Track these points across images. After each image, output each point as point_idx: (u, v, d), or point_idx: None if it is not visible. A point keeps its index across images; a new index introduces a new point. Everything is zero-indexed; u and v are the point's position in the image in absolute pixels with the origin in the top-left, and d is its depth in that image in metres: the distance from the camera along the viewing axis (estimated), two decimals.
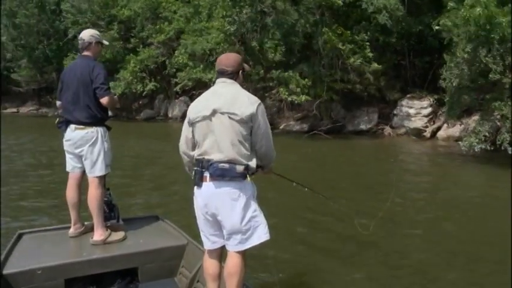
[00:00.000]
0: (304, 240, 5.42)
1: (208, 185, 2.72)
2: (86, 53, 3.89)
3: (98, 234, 3.74)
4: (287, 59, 16.08)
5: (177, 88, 20.05)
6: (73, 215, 3.88)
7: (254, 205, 2.77)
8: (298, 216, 6.36)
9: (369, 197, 7.40)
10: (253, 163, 2.76)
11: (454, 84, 10.32)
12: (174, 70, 20.02)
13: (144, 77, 21.81)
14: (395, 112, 16.14)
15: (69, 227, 3.91)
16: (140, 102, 24.02)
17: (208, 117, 2.75)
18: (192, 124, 2.84)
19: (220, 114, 2.71)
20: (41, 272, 3.25)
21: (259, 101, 2.79)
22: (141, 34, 22.23)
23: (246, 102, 2.73)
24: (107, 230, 3.80)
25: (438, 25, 11.28)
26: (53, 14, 25.39)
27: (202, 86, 19.10)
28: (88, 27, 21.05)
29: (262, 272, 4.24)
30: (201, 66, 18.41)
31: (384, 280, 4.32)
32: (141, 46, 21.83)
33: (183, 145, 2.94)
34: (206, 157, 2.74)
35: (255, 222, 2.75)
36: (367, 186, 8.33)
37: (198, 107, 2.83)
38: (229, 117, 2.69)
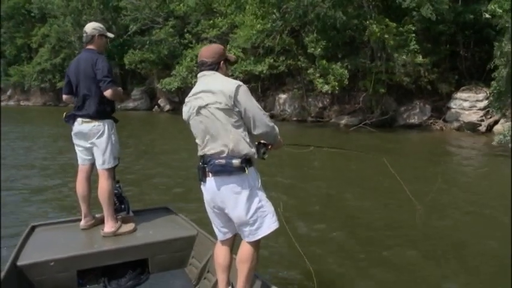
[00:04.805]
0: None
1: (210, 180, 2.74)
2: (89, 46, 3.88)
3: (109, 226, 3.80)
4: (332, 53, 15.90)
5: None
6: (83, 207, 3.95)
7: (259, 195, 2.74)
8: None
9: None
10: (252, 150, 2.71)
11: (501, 75, 9.75)
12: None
13: None
14: (449, 105, 15.46)
15: (80, 220, 3.98)
16: None
17: (197, 115, 2.75)
18: (188, 125, 2.87)
19: (206, 109, 2.70)
20: (53, 264, 3.32)
21: (239, 83, 2.70)
22: (195, 29, 22.66)
23: (226, 89, 2.66)
24: (117, 222, 3.86)
25: (486, 12, 10.66)
26: (115, 12, 26.43)
27: (255, 78, 19.37)
28: (146, 24, 21.98)
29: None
30: (252, 58, 18.65)
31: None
32: (193, 41, 22.28)
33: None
34: (205, 153, 2.76)
35: (261, 213, 2.73)
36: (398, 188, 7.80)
37: (186, 107, 2.84)
38: (215, 108, 2.66)
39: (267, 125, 2.74)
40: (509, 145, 10.08)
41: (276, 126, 2.82)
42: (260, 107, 2.75)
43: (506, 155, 10.47)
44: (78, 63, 3.83)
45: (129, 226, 3.92)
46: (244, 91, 2.68)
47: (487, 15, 10.59)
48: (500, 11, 9.66)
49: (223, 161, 2.65)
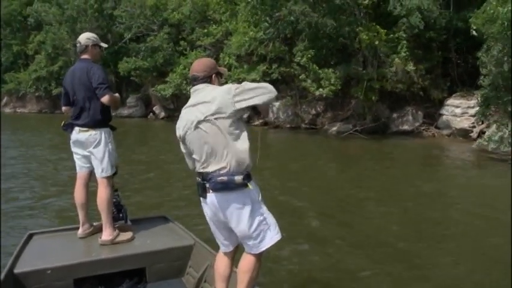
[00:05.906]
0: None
1: (211, 196, 2.71)
2: (83, 56, 3.96)
3: (107, 234, 3.84)
4: (325, 60, 16.08)
5: None
6: (81, 215, 3.99)
7: (260, 209, 2.74)
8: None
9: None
10: (250, 160, 2.69)
11: (486, 83, 10.07)
12: None
13: None
14: (441, 112, 15.62)
15: (78, 228, 4.01)
16: None
17: (195, 130, 2.70)
18: (183, 141, 2.83)
19: (205, 123, 2.66)
20: (50, 272, 3.34)
21: (229, 86, 2.68)
22: (190, 37, 22.73)
23: (222, 96, 2.64)
24: (115, 230, 3.89)
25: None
26: (110, 19, 26.50)
27: None
28: (141, 32, 22.07)
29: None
30: (245, 67, 18.78)
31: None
32: (188, 49, 22.36)
33: (189, 163, 2.91)
34: (204, 170, 2.71)
35: (264, 226, 2.74)
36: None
37: (182, 122, 2.78)
38: (215, 119, 2.63)
39: (269, 96, 2.66)
40: (490, 148, 10.41)
41: (268, 91, 2.66)
42: (254, 87, 2.66)
43: (494, 161, 10.69)
44: (73, 74, 3.92)
45: (127, 235, 3.95)
46: (236, 89, 2.64)
47: (471, 22, 10.96)
48: (475, 27, 10.01)
49: (225, 178, 2.62)
